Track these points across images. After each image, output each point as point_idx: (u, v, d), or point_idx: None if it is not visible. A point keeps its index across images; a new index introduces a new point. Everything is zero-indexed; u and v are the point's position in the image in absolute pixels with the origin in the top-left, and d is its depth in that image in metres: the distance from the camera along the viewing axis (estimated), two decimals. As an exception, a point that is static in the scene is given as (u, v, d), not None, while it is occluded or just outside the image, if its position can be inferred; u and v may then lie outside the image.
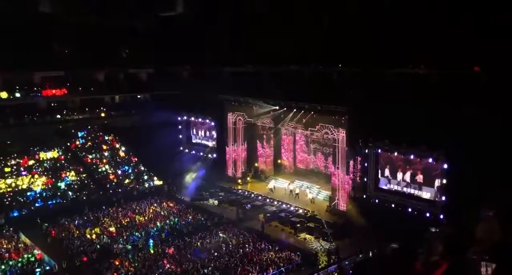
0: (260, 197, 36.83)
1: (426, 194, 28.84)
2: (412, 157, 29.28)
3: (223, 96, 41.27)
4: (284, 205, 34.71)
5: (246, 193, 38.19)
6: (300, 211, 33.42)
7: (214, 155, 43.42)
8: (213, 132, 44.55)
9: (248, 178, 40.69)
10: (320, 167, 39.81)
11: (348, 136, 32.03)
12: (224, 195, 37.74)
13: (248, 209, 34.17)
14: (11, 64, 41.38)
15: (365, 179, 31.59)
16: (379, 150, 30.95)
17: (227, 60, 45.71)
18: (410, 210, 28.90)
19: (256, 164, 41.98)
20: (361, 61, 35.14)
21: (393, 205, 29.84)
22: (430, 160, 28.04)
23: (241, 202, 35.78)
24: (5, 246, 28.80)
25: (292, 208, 34.10)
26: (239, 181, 40.49)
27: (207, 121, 44.96)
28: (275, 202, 35.49)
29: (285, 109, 36.81)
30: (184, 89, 47.08)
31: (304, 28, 38.55)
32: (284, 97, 36.45)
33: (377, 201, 30.94)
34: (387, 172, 30.91)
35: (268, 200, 36.13)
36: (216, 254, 27.10)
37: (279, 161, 42.40)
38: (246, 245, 28.18)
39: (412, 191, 29.58)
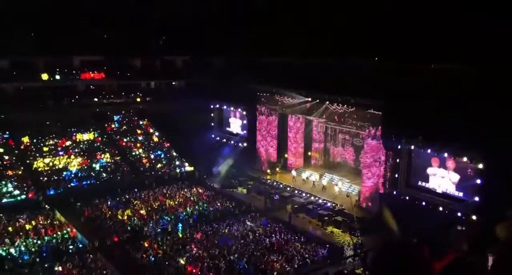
0: (288, 188, 36.91)
1: (458, 193, 28.23)
2: (446, 155, 28.66)
3: (256, 86, 41.35)
4: (312, 198, 34.69)
5: (275, 183, 38.34)
6: (329, 204, 33.33)
7: (245, 144, 43.70)
8: (244, 121, 44.79)
9: (277, 169, 40.78)
10: (349, 161, 39.49)
11: (381, 131, 31.58)
12: (253, 184, 38.02)
13: (276, 200, 34.34)
14: (52, 47, 42.73)
15: (396, 175, 31.17)
16: (412, 147, 30.43)
17: (261, 50, 45.67)
18: (441, 209, 28.36)
19: (285, 155, 41.99)
20: (398, 56, 34.46)
21: (423, 203, 29.35)
22: (465, 159, 27.37)
23: (270, 192, 35.96)
24: (41, 222, 29.99)
25: (320, 201, 34.05)
26: (268, 171, 40.67)
27: (239, 110, 45.20)
28: (303, 194, 35.50)
29: (317, 101, 36.58)
30: (218, 77, 47.40)
31: (341, 19, 38.09)
32: (317, 89, 36.24)
33: (407, 198, 30.49)
34: (419, 169, 30.40)
35: (296, 191, 36.16)
36: (242, 241, 27.44)
37: (309, 153, 42.27)
38: (273, 235, 28.40)
39: (444, 189, 29.01)
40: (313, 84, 36.85)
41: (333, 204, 33.03)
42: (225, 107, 46.83)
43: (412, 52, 33.32)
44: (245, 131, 44.66)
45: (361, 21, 37.91)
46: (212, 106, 47.21)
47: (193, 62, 51.93)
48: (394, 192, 31.17)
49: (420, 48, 32.78)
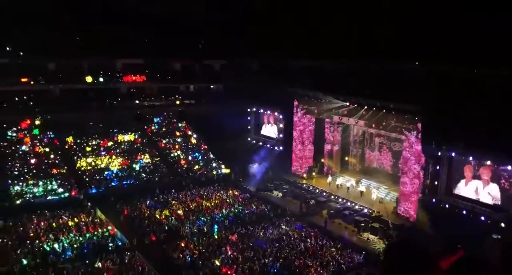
0: (324, 193, 36.70)
1: (501, 202, 27.27)
2: (488, 162, 27.78)
3: (293, 90, 41.40)
4: (348, 203, 34.35)
5: (311, 188, 38.20)
6: (365, 210, 32.91)
7: (281, 148, 43.78)
8: (281, 125, 44.89)
9: (314, 173, 40.60)
10: (386, 166, 38.84)
11: (421, 137, 30.94)
12: (289, 188, 38.02)
13: (311, 204, 34.20)
14: (97, 51, 44.34)
15: (436, 183, 30.43)
16: (453, 154, 29.66)
17: (299, 54, 45.70)
18: (482, 218, 27.47)
19: (322, 160, 41.77)
20: (439, 60, 33.69)
21: (464, 212, 28.52)
22: (509, 167, 26.45)
23: (305, 196, 35.86)
24: (83, 219, 31.05)
25: (357, 207, 33.66)
26: (304, 175, 40.57)
27: (276, 113, 45.36)
28: (340, 200, 35.20)
29: (355, 105, 36.24)
30: (255, 81, 47.71)
31: (381, 22, 37.61)
32: (355, 93, 35.90)
33: (447, 206, 29.72)
34: (460, 177, 29.58)
35: (332, 196, 35.89)
36: (277, 245, 27.48)
37: (346, 158, 41.89)
38: (308, 240, 28.31)
39: (486, 198, 28.09)
40: (351, 88, 36.56)
41: (370, 211, 32.59)
42: (261, 110, 47.11)
43: (455, 56, 32.48)
44: (281, 135, 44.75)
45: (402, 23, 37.30)
46: (249, 110, 47.60)
47: (231, 66, 52.50)
48: (434, 200, 30.45)
49: (463, 52, 31.89)
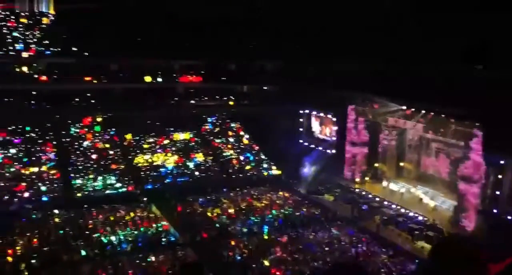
0: (377, 199, 35.88)
1: None
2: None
3: (347, 92, 40.77)
4: (403, 210, 33.38)
5: (363, 193, 37.46)
6: (420, 218, 31.84)
7: (333, 151, 43.24)
8: (334, 128, 44.35)
9: (367, 178, 39.81)
10: (443, 173, 37.34)
11: (482, 145, 29.53)
12: (340, 192, 37.52)
13: (364, 209, 33.56)
14: (156, 52, 45.88)
15: (498, 193, 28.93)
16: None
17: (354, 56, 44.98)
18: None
19: (376, 165, 40.84)
20: (504, 65, 31.99)
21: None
22: None
23: (357, 201, 35.24)
24: (139, 214, 32.20)
25: (411, 214, 32.64)
26: (357, 180, 39.84)
27: (329, 116, 44.88)
28: (393, 206, 34.28)
29: (412, 110, 35.17)
30: (309, 83, 47.43)
31: (444, 25, 36.25)
32: (413, 96, 34.79)
33: (509, 217, 28.18)
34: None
35: (385, 202, 35.03)
36: (327, 249, 27.21)
37: (401, 163, 40.69)
38: (359, 245, 27.83)
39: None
40: (408, 91, 35.47)
41: (425, 218, 31.50)
42: (314, 112, 46.78)
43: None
44: (334, 138, 44.21)
45: (467, 27, 35.76)
46: (301, 112, 47.40)
47: (286, 67, 52.49)
48: (495, 210, 28.98)
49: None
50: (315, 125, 47.06)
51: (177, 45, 46.95)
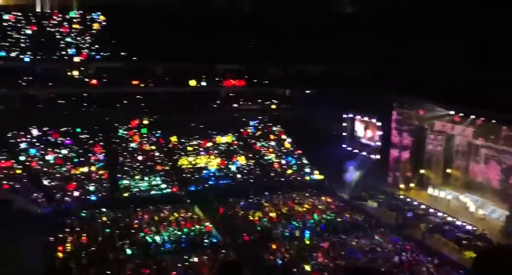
0: (423, 206, 34.88)
1: None
2: None
3: (392, 96, 39.93)
4: (449, 218, 32.28)
5: (408, 200, 36.52)
6: (469, 227, 30.68)
7: (377, 156, 42.39)
8: (378, 133, 43.48)
9: (412, 185, 38.81)
10: (493, 181, 35.80)
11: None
12: (384, 199, 36.76)
13: (408, 217, 32.72)
14: (200, 57, 46.82)
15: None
16: None
17: (399, 58, 44.05)
18: None
19: (422, 171, 39.72)
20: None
21: None
22: None
23: (402, 208, 34.40)
24: (182, 215, 32.82)
25: (458, 223, 31.51)
26: (402, 186, 38.90)
27: (373, 120, 44.04)
28: (440, 214, 33.22)
29: (461, 114, 34.00)
30: (352, 87, 46.80)
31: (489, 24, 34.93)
32: (462, 101, 33.62)
33: None
34: None
35: (431, 210, 34.00)
36: (370, 256, 26.73)
37: (448, 170, 39.39)
38: (403, 253, 27.15)
39: None
40: (456, 95, 34.33)
41: (474, 228, 30.33)
42: (358, 117, 46.06)
43: None
44: (378, 143, 43.33)
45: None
46: (345, 116, 46.79)
47: (327, 70, 52.08)
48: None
49: None
50: (359, 130, 46.31)
51: (220, 49, 47.70)
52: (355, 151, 44.99)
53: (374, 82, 43.49)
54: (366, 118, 44.88)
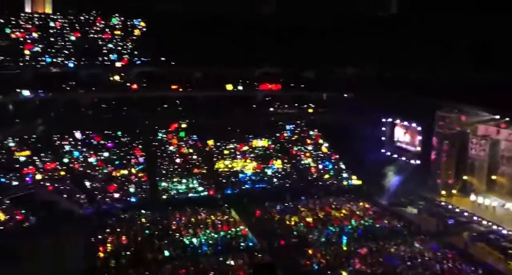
0: (465, 213, 33.69)
1: None
2: None
3: (434, 100, 38.87)
4: (495, 226, 31.01)
5: (450, 206, 35.38)
6: (515, 236, 29.40)
7: (417, 161, 41.37)
8: (419, 137, 42.45)
9: (454, 191, 37.60)
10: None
11: None
12: (425, 205, 35.76)
13: (450, 224, 31.68)
14: (237, 61, 47.21)
15: None
16: None
17: (440, 63, 43.00)
18: None
19: (464, 177, 38.40)
20: None
21: None
22: None
23: (443, 215, 33.37)
24: (219, 218, 33.02)
25: (504, 231, 30.20)
26: (443, 192, 37.75)
27: (413, 125, 43.06)
28: (484, 222, 31.98)
29: (506, 119, 32.69)
30: (392, 90, 45.91)
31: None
32: (506, 105, 32.38)
33: None
34: None
35: (475, 217, 32.78)
36: (409, 263, 25.99)
37: (493, 176, 37.85)
38: (444, 261, 26.25)
39: None
40: (501, 99, 33.07)
41: (521, 237, 29.03)
42: (398, 121, 45.15)
43: None
44: (418, 148, 42.31)
45: None
46: (384, 120, 45.97)
47: (366, 74, 51.33)
48: None
49: None
50: (398, 134, 45.34)
51: (259, 54, 47.97)
52: (394, 156, 44.10)
53: (415, 86, 42.61)
54: (406, 123, 43.92)
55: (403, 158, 42.86)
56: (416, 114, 41.75)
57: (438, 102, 38.70)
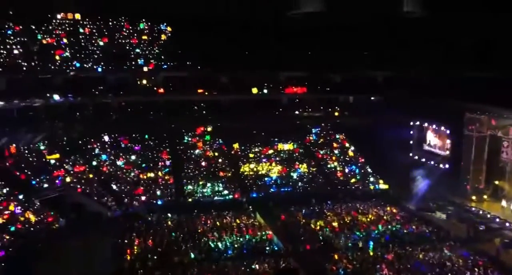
0: (497, 219, 32.73)
1: None
2: None
3: (463, 103, 37.99)
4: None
5: (481, 212, 34.43)
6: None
7: (446, 166, 40.45)
8: (448, 141, 41.51)
9: (485, 196, 36.59)
10: None
11: None
12: (454, 210, 34.93)
13: (481, 230, 30.83)
14: (264, 63, 47.27)
15: None
16: None
17: (470, 64, 42.00)
18: None
19: (496, 182, 37.33)
20: None
21: None
22: None
23: (474, 220, 32.49)
24: (244, 221, 33.05)
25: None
26: (474, 197, 36.77)
27: (442, 128, 42.14)
28: (518, 229, 31.02)
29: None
30: (420, 93, 45.09)
31: None
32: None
33: None
34: None
35: (507, 224, 31.81)
36: (438, 270, 25.40)
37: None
38: (475, 269, 25.53)
39: None
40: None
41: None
42: (426, 124, 44.25)
43: None
44: (447, 152, 41.35)
45: None
46: (412, 123, 45.16)
47: (394, 77, 50.59)
48: None
49: None
50: (427, 138, 44.44)
51: (282, 57, 47.92)
52: (422, 160, 43.26)
53: (444, 88, 41.78)
54: (435, 126, 43.04)
55: (432, 162, 41.98)
56: (445, 116, 40.85)
57: (468, 105, 37.78)
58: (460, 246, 28.90)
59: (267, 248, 28.93)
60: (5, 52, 40.93)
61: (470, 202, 36.40)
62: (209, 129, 45.92)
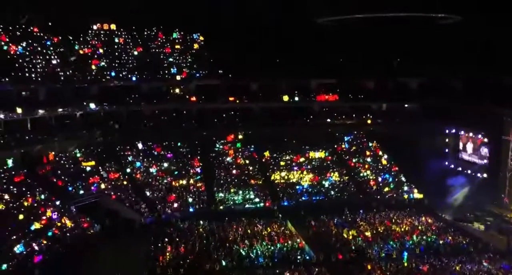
0: (540, 231, 31.36)
1: None
2: None
3: (502, 109, 36.72)
4: None
5: (522, 223, 33.10)
6: None
7: (485, 175, 39.13)
8: (485, 149, 40.18)
9: (526, 207, 35.17)
10: None
11: None
12: (493, 221, 33.68)
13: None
14: (295, 72, 47.21)
15: None
16: None
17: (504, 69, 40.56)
18: None
19: (538, 192, 35.87)
20: None
21: None
22: None
23: (514, 232, 31.25)
24: (275, 230, 32.86)
25: None
26: (514, 208, 35.42)
27: (479, 136, 40.87)
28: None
29: None
30: (456, 100, 43.91)
31: None
32: None
33: None
34: None
35: (550, 236, 30.42)
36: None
37: None
38: (517, 283, 24.53)
39: None
40: None
41: None
42: (462, 132, 43.04)
43: None
44: (485, 160, 40.03)
45: None
46: (447, 131, 44.03)
47: (429, 84, 49.45)
48: None
49: None
50: (464, 146, 43.16)
51: (315, 64, 47.73)
52: (458, 169, 42.02)
53: (481, 95, 40.56)
54: (471, 134, 41.78)
55: (469, 171, 40.72)
56: (483, 124, 39.61)
57: (507, 111, 36.50)
58: (500, 258, 27.83)
59: (299, 257, 28.64)
60: (44, 62, 42.30)
61: (510, 213, 35.03)
62: (240, 136, 46.07)
